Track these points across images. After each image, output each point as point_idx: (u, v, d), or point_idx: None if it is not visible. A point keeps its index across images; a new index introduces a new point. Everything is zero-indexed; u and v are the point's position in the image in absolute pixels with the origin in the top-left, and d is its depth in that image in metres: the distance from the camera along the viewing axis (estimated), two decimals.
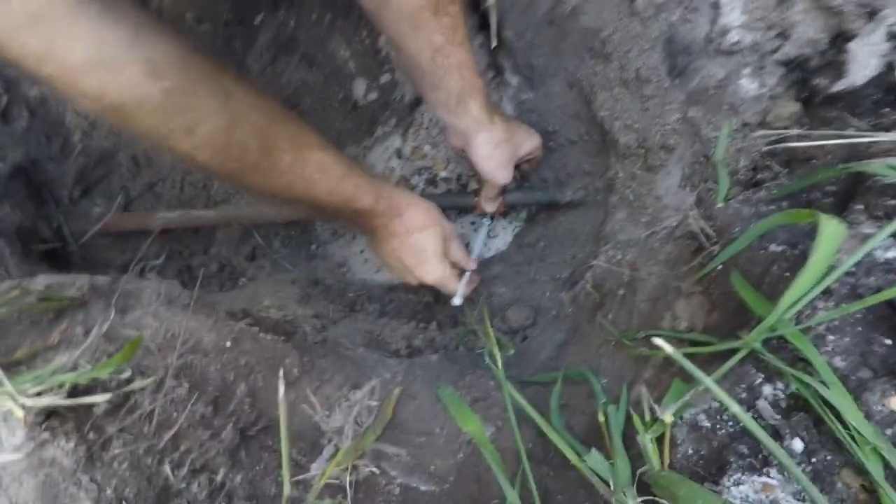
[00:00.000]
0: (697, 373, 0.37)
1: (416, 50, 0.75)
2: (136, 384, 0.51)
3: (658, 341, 0.35)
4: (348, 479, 0.52)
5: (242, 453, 0.51)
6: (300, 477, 0.51)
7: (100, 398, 0.46)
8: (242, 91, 0.59)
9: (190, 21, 0.96)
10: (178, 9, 0.95)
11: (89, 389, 0.49)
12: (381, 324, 1.02)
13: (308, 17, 1.03)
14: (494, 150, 0.86)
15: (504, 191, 1.02)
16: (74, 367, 0.49)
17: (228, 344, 0.62)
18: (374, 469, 0.55)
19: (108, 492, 0.42)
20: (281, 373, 0.49)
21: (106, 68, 0.48)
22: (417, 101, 1.16)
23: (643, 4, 0.72)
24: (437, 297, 1.12)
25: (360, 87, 1.11)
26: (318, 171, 0.68)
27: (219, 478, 0.48)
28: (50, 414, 0.45)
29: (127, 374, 0.49)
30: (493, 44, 0.92)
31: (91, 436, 0.45)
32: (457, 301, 0.94)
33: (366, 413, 0.63)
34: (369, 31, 1.07)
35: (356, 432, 0.58)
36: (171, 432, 0.48)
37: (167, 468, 0.45)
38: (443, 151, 1.20)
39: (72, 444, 0.43)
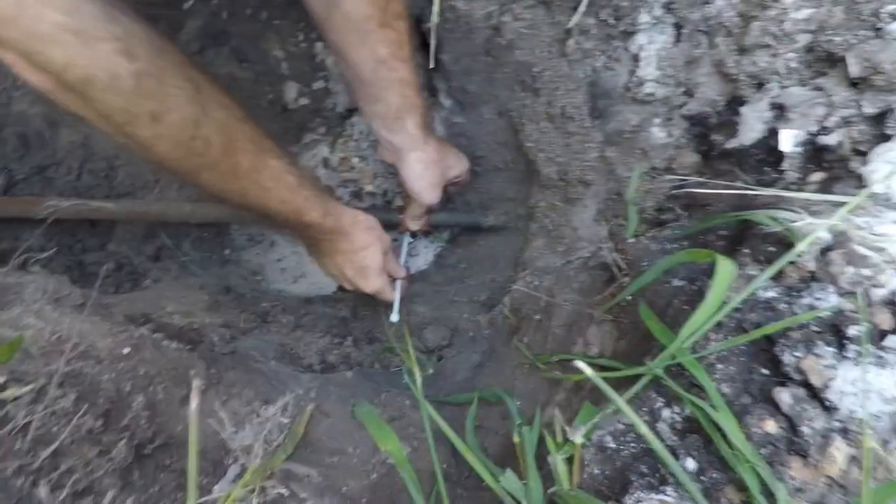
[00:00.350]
0: (614, 396, 0.39)
1: (359, 60, 0.75)
2: (10, 392, 0.45)
3: (580, 365, 0.37)
4: (255, 501, 0.49)
5: (136, 473, 0.47)
6: (202, 500, 0.47)
7: None
8: (210, 86, 0.58)
9: None
10: None
11: None
12: (295, 337, 0.98)
13: (242, 11, 0.99)
14: (425, 171, 0.88)
15: (429, 211, 1.03)
16: None
17: (126, 351, 0.57)
18: (283, 490, 0.52)
19: None
20: (196, 383, 0.45)
21: (78, 39, 0.45)
22: (350, 112, 1.15)
23: (572, 47, 0.78)
24: (354, 311, 1.10)
25: (291, 91, 1.08)
26: (273, 180, 0.67)
27: (106, 501, 0.43)
28: None
29: (1, 380, 0.43)
30: (431, 65, 0.93)
31: None
32: (394, 318, 0.97)
33: (276, 430, 0.60)
34: (306, 35, 1.05)
35: (265, 451, 0.55)
36: (51, 449, 0.42)
37: (42, 490, 0.40)
38: (371, 165, 1.19)
39: None
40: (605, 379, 0.51)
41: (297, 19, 1.02)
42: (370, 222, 0.86)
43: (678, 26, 0.68)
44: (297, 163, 0.73)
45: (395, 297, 0.97)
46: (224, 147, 0.60)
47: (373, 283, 0.90)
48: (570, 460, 0.49)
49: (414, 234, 1.13)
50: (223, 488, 0.50)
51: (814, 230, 0.46)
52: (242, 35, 1.01)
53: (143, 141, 0.54)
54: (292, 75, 1.08)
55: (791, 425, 0.43)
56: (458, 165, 0.95)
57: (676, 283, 0.58)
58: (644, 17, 0.70)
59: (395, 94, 0.79)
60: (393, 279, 0.97)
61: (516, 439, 0.56)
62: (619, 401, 0.40)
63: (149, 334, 0.62)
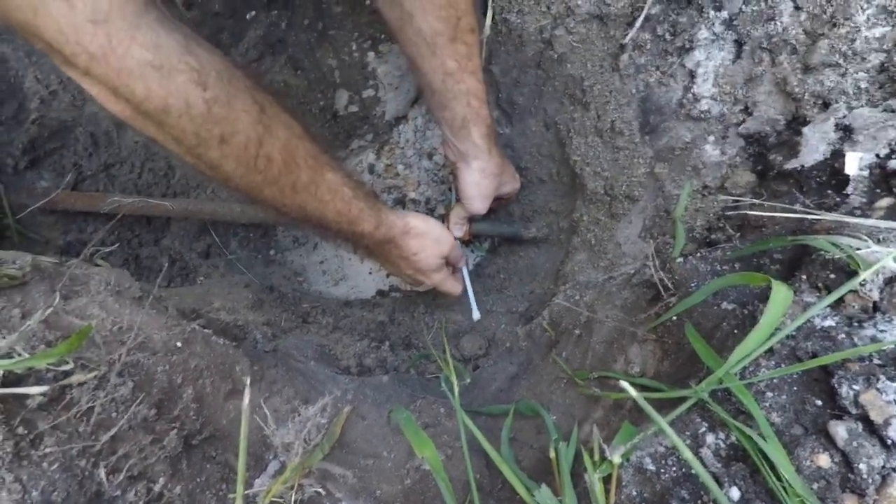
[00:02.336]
0: (657, 417, 0.38)
1: (429, 70, 0.78)
2: (76, 378, 0.47)
3: (623, 384, 0.36)
4: (293, 497, 0.50)
5: (184, 463, 0.49)
6: (244, 493, 0.49)
7: (35, 390, 0.43)
8: (273, 106, 0.62)
9: (179, 5, 0.94)
10: None
11: (22, 379, 0.46)
12: (334, 339, 1.00)
13: (300, 22, 1.03)
14: (482, 180, 0.89)
15: (471, 219, 1.04)
16: (9, 354, 0.45)
17: (179, 344, 0.59)
18: (320, 489, 0.53)
19: (35, 493, 0.39)
20: (248, 381, 0.47)
21: (159, 73, 0.49)
22: (397, 120, 1.17)
23: (626, 62, 0.77)
24: (392, 316, 1.11)
25: (342, 98, 1.11)
26: (330, 193, 0.71)
27: (157, 487, 0.45)
28: None
29: (68, 367, 0.46)
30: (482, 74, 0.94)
31: (20, 430, 0.42)
32: (475, 315, 1.02)
33: (315, 430, 0.62)
34: (359, 45, 1.07)
35: (304, 449, 0.56)
36: (110, 434, 0.45)
37: (102, 472, 0.42)
38: (415, 173, 1.21)
39: None
40: (647, 399, 0.50)
41: (351, 29, 1.05)
42: (422, 228, 0.88)
43: (739, 43, 0.67)
44: (352, 175, 0.75)
45: (469, 294, 1.01)
46: (285, 163, 0.63)
47: (431, 279, 0.94)
48: (607, 480, 0.49)
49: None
50: (264, 483, 0.51)
51: (879, 259, 0.44)
52: (299, 44, 1.05)
53: (210, 161, 0.58)
54: (344, 83, 1.11)
55: (846, 461, 0.41)
56: (511, 183, 0.97)
57: (726, 305, 0.56)
58: (703, 34, 0.68)
59: (462, 104, 0.81)
60: (454, 272, 1.00)
61: (552, 454, 0.55)
62: (663, 422, 0.39)
63: (199, 329, 0.65)
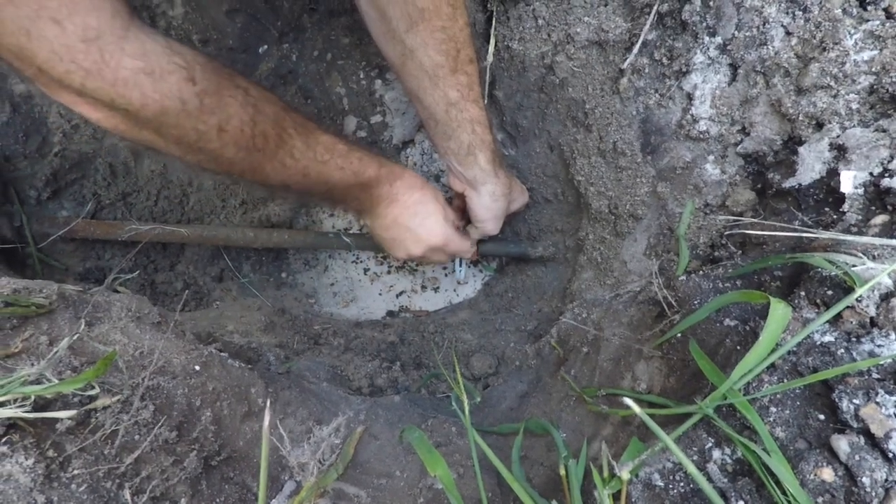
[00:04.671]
0: (663, 435, 0.40)
1: (432, 102, 0.80)
2: (101, 402, 0.50)
3: (628, 401, 0.38)
4: None
5: (204, 484, 0.50)
6: None
7: (64, 414, 0.45)
8: (254, 87, 0.65)
9: (195, 43, 0.98)
10: (186, 30, 0.97)
11: (50, 404, 0.48)
12: (345, 359, 1.01)
13: (310, 53, 1.07)
14: (493, 203, 0.92)
15: (480, 240, 1.06)
16: (38, 380, 0.48)
17: (197, 368, 0.61)
18: None
19: None
20: (268, 403, 0.49)
21: (151, 78, 0.52)
22: (405, 144, 1.20)
23: (625, 86, 0.79)
24: (402, 336, 1.13)
25: (350, 124, 1.15)
26: (328, 151, 0.73)
27: None
28: (10, 427, 0.43)
29: (94, 391, 0.48)
30: (484, 101, 0.97)
31: (51, 453, 0.44)
32: (460, 276, 0.99)
33: (329, 450, 0.63)
34: (366, 73, 1.11)
35: (319, 470, 0.57)
36: (134, 456, 0.46)
37: (127, 493, 0.44)
38: None
39: (31, 461, 0.42)
40: (654, 416, 0.51)
41: (359, 59, 1.09)
42: (419, 175, 0.89)
43: (734, 66, 0.69)
44: (342, 133, 0.78)
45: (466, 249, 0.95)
46: (279, 136, 0.66)
47: (437, 229, 0.88)
48: (616, 496, 0.49)
49: (461, 262, 1.16)
50: (280, 503, 0.53)
51: (875, 275, 0.46)
52: (309, 74, 1.09)
53: (213, 152, 0.61)
54: (352, 110, 1.14)
55: (850, 475, 0.42)
56: (521, 198, 0.99)
57: (728, 322, 0.57)
58: (699, 58, 0.71)
59: (467, 132, 0.83)
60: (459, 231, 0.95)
61: (562, 472, 0.56)
62: (668, 440, 0.41)
63: (216, 353, 0.67)
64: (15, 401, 0.44)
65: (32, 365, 0.51)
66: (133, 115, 0.54)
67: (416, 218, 0.86)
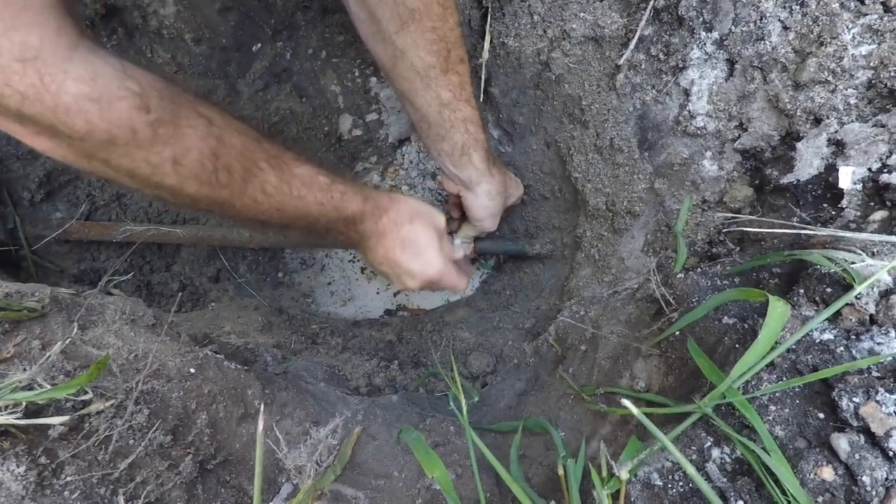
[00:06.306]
0: (661, 437, 0.39)
1: (424, 104, 0.79)
2: (94, 407, 0.49)
3: (625, 402, 0.37)
4: None
5: (199, 488, 0.50)
6: None
7: (56, 420, 0.45)
8: (220, 116, 0.59)
9: (188, 42, 0.97)
10: (178, 29, 0.96)
11: (43, 409, 0.48)
12: (343, 359, 1.01)
13: (304, 51, 1.06)
14: (490, 201, 0.91)
15: (476, 238, 1.05)
16: (30, 386, 0.47)
17: (192, 370, 0.61)
18: None
19: None
20: (262, 406, 0.48)
21: (97, 105, 0.47)
22: (400, 142, 1.19)
23: (622, 82, 0.79)
24: (400, 336, 1.13)
25: (346, 122, 1.14)
26: (305, 186, 0.67)
27: None
28: (1, 434, 0.43)
29: (88, 396, 0.47)
30: (480, 98, 0.97)
31: (43, 460, 0.43)
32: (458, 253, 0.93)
33: (326, 452, 0.63)
34: (361, 71, 1.10)
35: (316, 471, 0.57)
36: (128, 461, 0.46)
37: (121, 499, 0.44)
38: (419, 192, 1.23)
39: (22, 469, 0.41)
40: (652, 415, 0.51)
41: (353, 57, 1.08)
42: (413, 200, 0.83)
43: (731, 62, 0.68)
44: (324, 165, 0.71)
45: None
46: (247, 170, 0.61)
47: (432, 262, 0.82)
48: (615, 496, 0.49)
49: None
50: None
51: (874, 272, 0.45)
52: (303, 72, 1.08)
53: (171, 187, 0.56)
54: (347, 108, 1.13)
55: (850, 474, 0.41)
56: (516, 192, 0.98)
57: (727, 320, 0.57)
58: (696, 53, 0.70)
59: (461, 131, 0.83)
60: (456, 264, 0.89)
61: (561, 471, 0.56)
62: (667, 441, 0.40)
63: (211, 355, 0.66)
64: (6, 407, 0.44)
65: (24, 370, 0.50)
66: (78, 145, 0.49)
67: (407, 254, 0.80)
